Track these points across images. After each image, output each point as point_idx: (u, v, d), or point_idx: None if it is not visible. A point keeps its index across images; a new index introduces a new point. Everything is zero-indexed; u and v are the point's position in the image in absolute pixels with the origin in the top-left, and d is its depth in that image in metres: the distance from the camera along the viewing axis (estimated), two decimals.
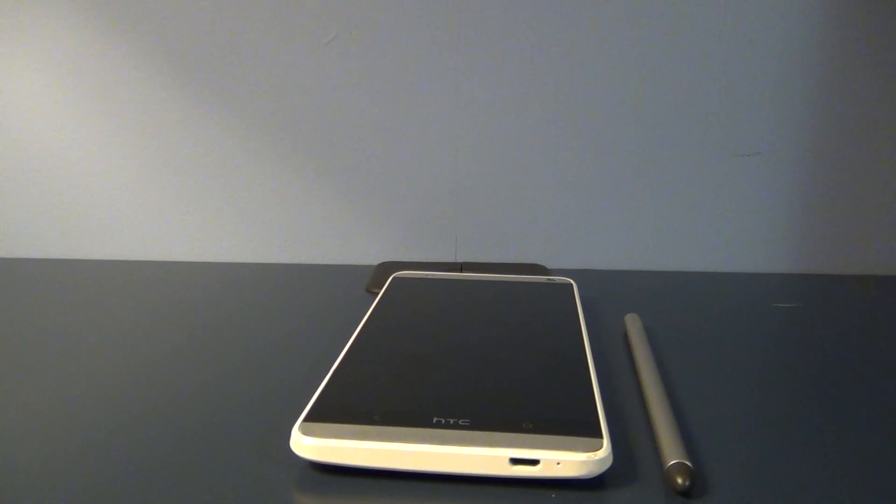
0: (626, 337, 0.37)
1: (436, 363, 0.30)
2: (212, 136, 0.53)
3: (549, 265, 0.53)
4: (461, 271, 0.48)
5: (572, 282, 0.42)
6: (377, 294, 0.40)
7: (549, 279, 0.43)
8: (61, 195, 0.54)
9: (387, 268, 0.49)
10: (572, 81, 0.52)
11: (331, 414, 0.25)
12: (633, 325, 0.37)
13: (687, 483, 0.24)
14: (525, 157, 0.53)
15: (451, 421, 0.25)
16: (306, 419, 0.25)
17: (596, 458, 0.23)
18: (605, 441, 0.24)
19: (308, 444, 0.24)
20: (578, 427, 0.24)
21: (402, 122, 0.53)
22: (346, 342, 0.32)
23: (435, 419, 0.25)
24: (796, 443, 0.27)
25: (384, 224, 0.55)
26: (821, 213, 0.53)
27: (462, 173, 0.54)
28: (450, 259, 0.55)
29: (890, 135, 0.52)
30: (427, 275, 0.44)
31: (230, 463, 0.25)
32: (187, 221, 0.54)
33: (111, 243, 0.55)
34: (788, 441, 0.27)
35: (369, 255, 0.55)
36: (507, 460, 0.23)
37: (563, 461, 0.23)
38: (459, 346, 0.32)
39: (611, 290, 0.46)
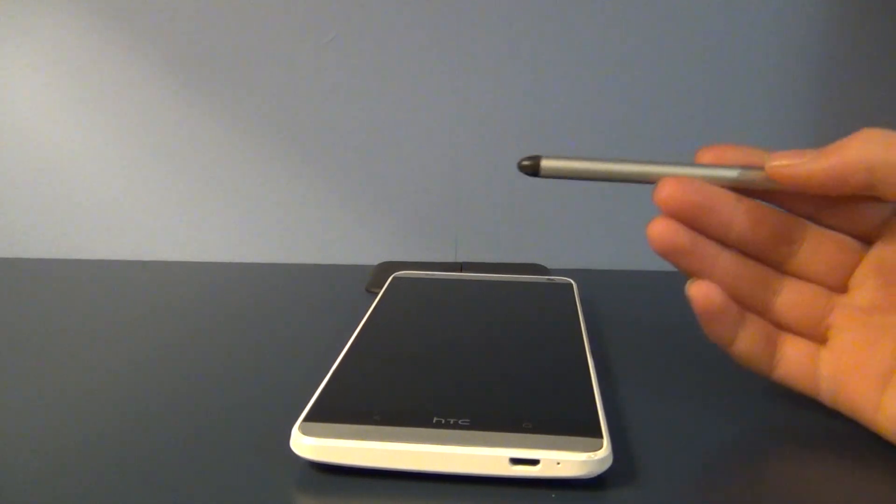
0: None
1: (436, 363, 0.30)
2: (211, 136, 0.53)
3: (549, 265, 0.53)
4: (461, 271, 0.48)
5: (572, 282, 0.42)
6: (377, 294, 0.40)
7: (549, 279, 0.43)
8: (61, 195, 0.54)
9: (387, 268, 0.49)
10: (572, 83, 0.52)
11: (331, 414, 0.25)
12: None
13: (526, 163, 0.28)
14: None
15: (451, 421, 0.25)
16: (306, 419, 0.25)
17: (596, 458, 0.23)
18: (605, 441, 0.24)
19: (308, 444, 0.24)
20: (578, 427, 0.24)
21: (402, 122, 0.53)
22: (346, 342, 0.32)
23: (435, 419, 0.25)
24: (801, 448, 0.27)
25: (384, 224, 0.55)
26: None
27: (462, 173, 0.54)
28: (450, 259, 0.55)
29: None
30: (427, 275, 0.44)
31: (230, 463, 0.25)
32: (187, 221, 0.54)
33: (111, 243, 0.55)
34: (793, 446, 0.28)
35: (369, 255, 0.55)
36: (507, 460, 0.23)
37: (563, 461, 0.23)
38: (459, 346, 0.32)
39: (611, 290, 0.46)
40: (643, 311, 0.41)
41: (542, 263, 0.53)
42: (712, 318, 0.27)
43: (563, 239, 0.54)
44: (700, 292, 0.27)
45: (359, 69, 0.52)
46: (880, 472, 0.25)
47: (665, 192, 0.27)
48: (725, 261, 0.28)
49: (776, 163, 0.26)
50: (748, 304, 0.28)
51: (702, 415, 0.30)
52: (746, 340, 0.28)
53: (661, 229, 0.27)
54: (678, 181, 0.27)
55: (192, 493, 0.23)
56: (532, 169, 0.28)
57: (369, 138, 0.53)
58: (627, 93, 0.52)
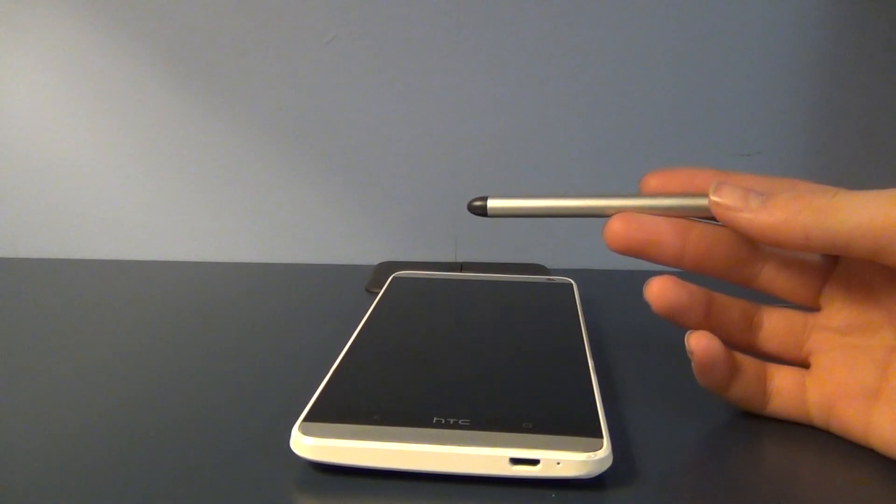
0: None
1: (436, 363, 0.30)
2: (211, 136, 0.53)
3: (549, 265, 0.53)
4: (461, 271, 0.48)
5: (572, 282, 0.42)
6: (377, 294, 0.40)
7: (549, 279, 0.43)
8: (61, 195, 0.54)
9: (387, 268, 0.49)
10: (572, 81, 0.52)
11: (331, 414, 0.25)
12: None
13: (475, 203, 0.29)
14: (525, 157, 0.53)
15: (451, 421, 0.25)
16: (306, 419, 0.25)
17: (596, 458, 0.23)
18: (605, 441, 0.24)
19: (308, 444, 0.24)
20: (578, 427, 0.24)
21: (402, 122, 0.53)
22: (346, 342, 0.32)
23: (435, 419, 0.25)
24: (802, 447, 0.27)
25: (384, 224, 0.55)
26: None
27: (462, 173, 0.54)
28: (450, 259, 0.55)
29: (890, 134, 0.52)
30: (427, 275, 0.44)
31: (230, 463, 0.25)
32: (187, 221, 0.54)
33: (111, 243, 0.55)
34: (793, 445, 0.27)
35: (369, 255, 0.55)
36: (507, 460, 0.23)
37: (563, 461, 0.23)
38: (459, 346, 0.32)
39: (611, 290, 0.46)
40: (643, 311, 0.41)
41: (542, 263, 0.53)
42: (712, 369, 0.27)
43: (563, 239, 0.54)
44: (700, 345, 0.26)
45: (359, 69, 0.52)
46: (872, 468, 0.25)
47: (610, 231, 0.27)
48: (713, 307, 0.28)
49: (718, 199, 0.26)
50: (735, 344, 0.28)
51: (701, 414, 0.30)
52: (740, 383, 0.28)
53: (658, 290, 0.27)
54: (622, 219, 0.27)
55: (193, 492, 0.23)
56: (480, 210, 0.29)
57: (369, 138, 0.53)
58: (628, 92, 0.52)
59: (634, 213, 0.28)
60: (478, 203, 0.29)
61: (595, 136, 0.53)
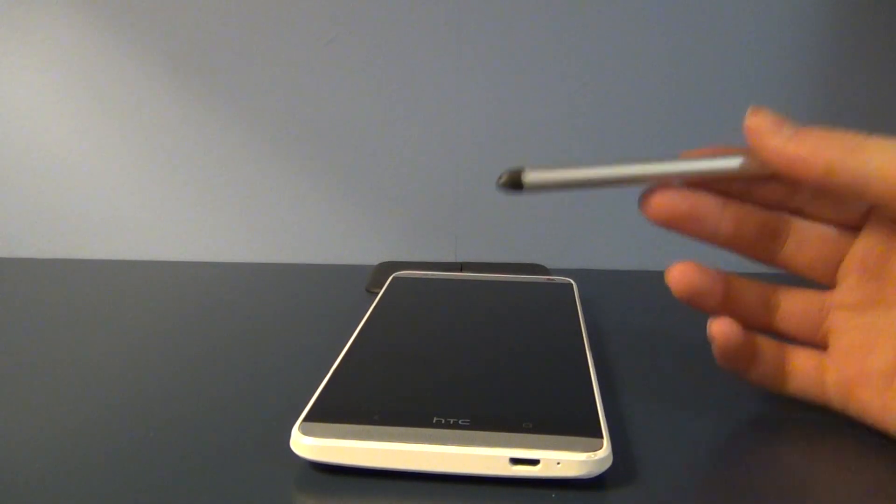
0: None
1: (436, 363, 0.30)
2: (211, 136, 0.53)
3: (549, 265, 0.53)
4: (461, 271, 0.48)
5: (572, 282, 0.42)
6: (377, 294, 0.40)
7: (549, 279, 0.43)
8: (61, 195, 0.54)
9: (387, 268, 0.49)
10: (572, 81, 0.52)
11: (331, 414, 0.25)
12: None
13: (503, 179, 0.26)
14: (525, 157, 0.53)
15: (451, 421, 0.25)
16: (306, 419, 0.25)
17: (596, 458, 0.23)
18: (605, 441, 0.24)
19: (308, 444, 0.24)
20: (578, 427, 0.24)
21: (402, 122, 0.53)
22: (346, 342, 0.32)
23: (435, 419, 0.25)
24: (801, 446, 0.27)
25: (384, 224, 0.55)
26: None
27: (462, 173, 0.54)
28: (450, 259, 0.55)
29: (890, 134, 0.52)
30: (427, 275, 0.44)
31: (230, 463, 0.25)
32: (187, 221, 0.54)
33: (111, 243, 0.55)
34: (792, 443, 0.27)
35: (369, 255, 0.55)
36: (507, 460, 0.23)
37: (563, 461, 0.23)
38: (459, 346, 0.32)
39: (611, 290, 0.46)
40: (643, 311, 0.41)
41: (542, 263, 0.53)
42: (733, 354, 0.28)
43: (563, 239, 0.54)
44: (722, 331, 0.27)
45: (359, 69, 0.52)
46: (873, 468, 0.25)
47: (653, 204, 0.28)
48: (731, 290, 0.28)
49: (756, 118, 0.27)
50: (753, 325, 0.29)
51: (701, 414, 0.30)
52: (760, 366, 0.28)
53: (679, 274, 0.28)
54: (663, 192, 0.28)
55: (192, 492, 0.23)
56: (512, 182, 0.26)
57: (369, 138, 0.53)
58: (628, 92, 0.52)
59: (674, 189, 0.28)
60: (511, 177, 0.27)
61: (594, 136, 0.53)
